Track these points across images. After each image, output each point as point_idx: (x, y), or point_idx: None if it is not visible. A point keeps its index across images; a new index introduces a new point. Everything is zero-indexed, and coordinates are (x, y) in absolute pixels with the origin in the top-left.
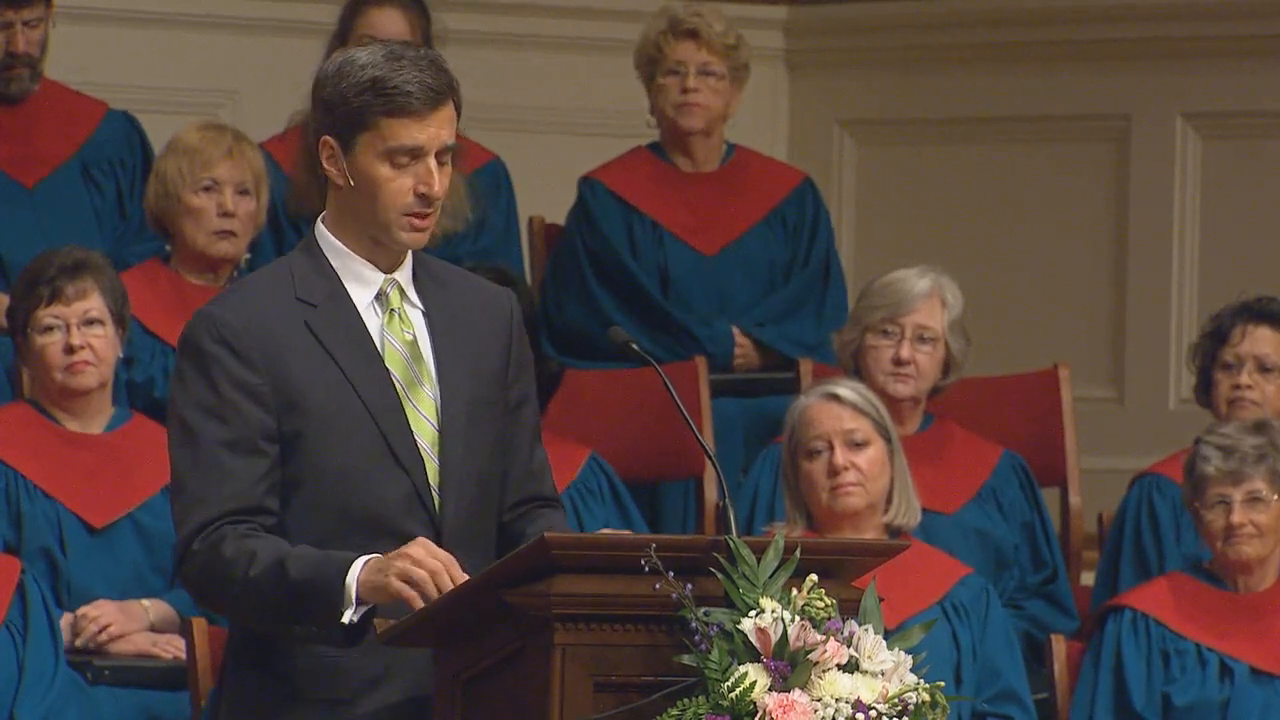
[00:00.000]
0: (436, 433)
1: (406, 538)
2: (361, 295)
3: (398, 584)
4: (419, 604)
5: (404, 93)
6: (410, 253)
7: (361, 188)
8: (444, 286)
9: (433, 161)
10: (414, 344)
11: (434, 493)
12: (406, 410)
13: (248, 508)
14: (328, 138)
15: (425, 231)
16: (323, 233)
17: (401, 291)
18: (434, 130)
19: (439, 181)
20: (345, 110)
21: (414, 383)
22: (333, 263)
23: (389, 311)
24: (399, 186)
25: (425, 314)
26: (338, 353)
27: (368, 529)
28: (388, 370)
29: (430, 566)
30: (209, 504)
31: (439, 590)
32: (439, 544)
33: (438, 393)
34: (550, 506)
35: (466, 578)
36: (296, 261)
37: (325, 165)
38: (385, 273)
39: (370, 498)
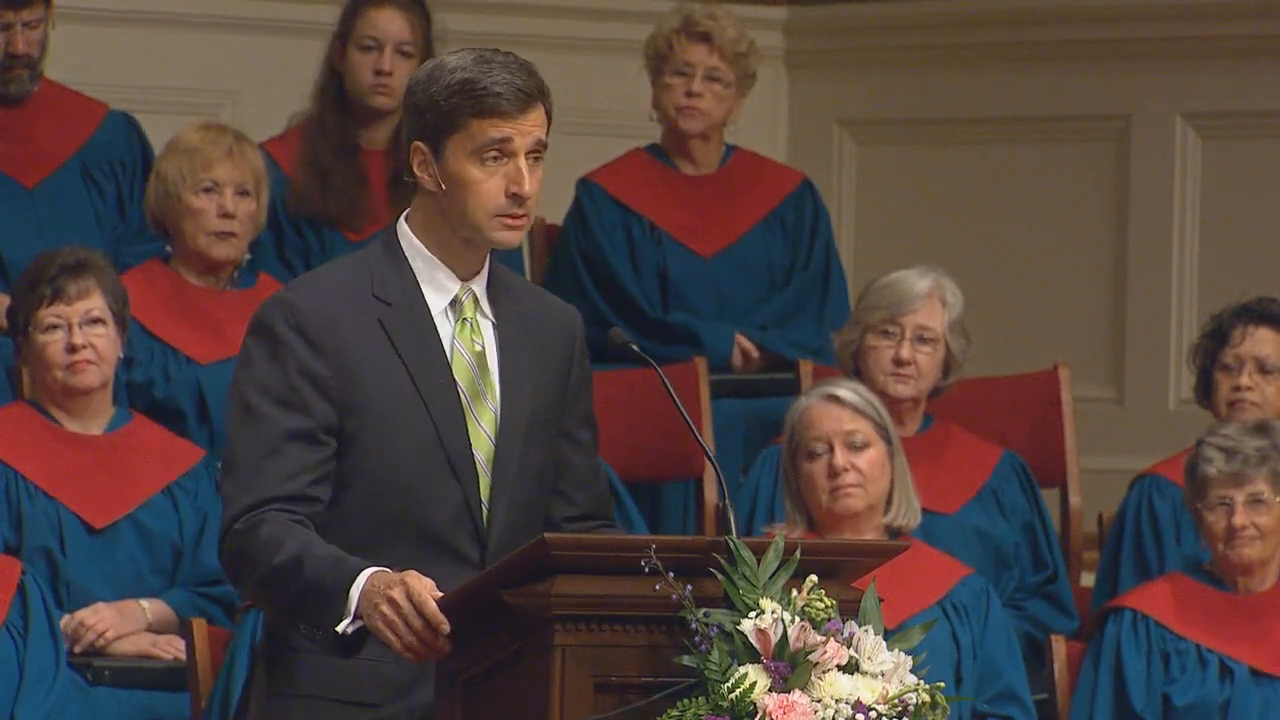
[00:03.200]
0: (493, 448)
1: (453, 549)
2: (437, 300)
3: (379, 625)
4: (399, 648)
5: (493, 93)
6: (488, 263)
7: (453, 191)
8: (516, 300)
9: (523, 161)
10: (482, 355)
11: (484, 507)
12: (468, 421)
13: (297, 495)
14: (419, 143)
15: (521, 230)
16: (405, 232)
17: (476, 301)
18: (524, 128)
19: (529, 181)
20: (435, 114)
21: (478, 395)
22: (413, 264)
23: (461, 320)
24: (490, 188)
25: (496, 326)
26: (407, 355)
27: (415, 538)
28: (454, 379)
29: (406, 625)
30: (259, 487)
31: (415, 635)
32: (483, 558)
33: (499, 407)
34: (611, 528)
35: (436, 611)
36: (375, 257)
37: (416, 170)
38: (463, 280)
39: (421, 506)
